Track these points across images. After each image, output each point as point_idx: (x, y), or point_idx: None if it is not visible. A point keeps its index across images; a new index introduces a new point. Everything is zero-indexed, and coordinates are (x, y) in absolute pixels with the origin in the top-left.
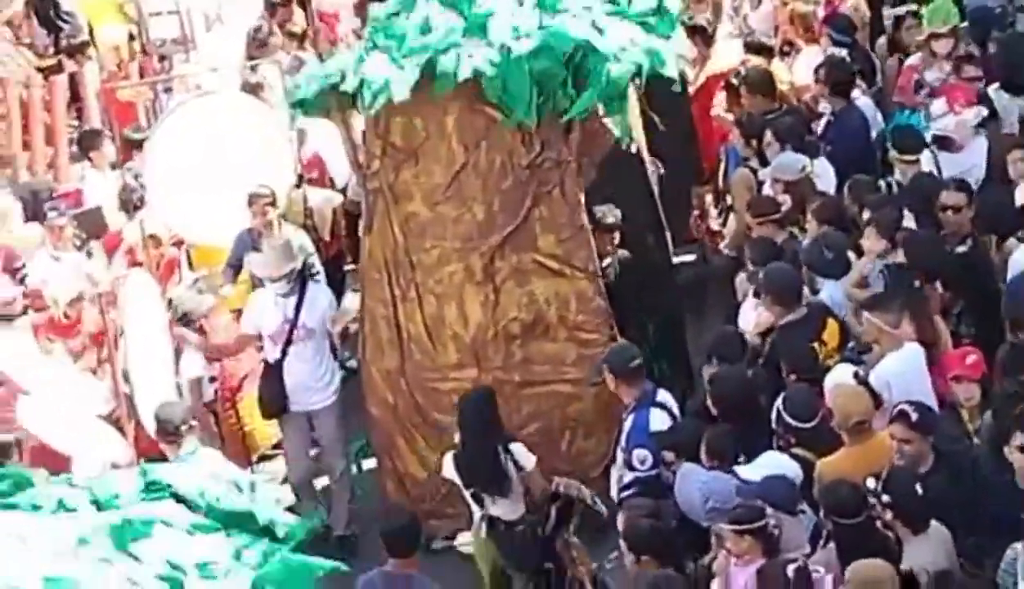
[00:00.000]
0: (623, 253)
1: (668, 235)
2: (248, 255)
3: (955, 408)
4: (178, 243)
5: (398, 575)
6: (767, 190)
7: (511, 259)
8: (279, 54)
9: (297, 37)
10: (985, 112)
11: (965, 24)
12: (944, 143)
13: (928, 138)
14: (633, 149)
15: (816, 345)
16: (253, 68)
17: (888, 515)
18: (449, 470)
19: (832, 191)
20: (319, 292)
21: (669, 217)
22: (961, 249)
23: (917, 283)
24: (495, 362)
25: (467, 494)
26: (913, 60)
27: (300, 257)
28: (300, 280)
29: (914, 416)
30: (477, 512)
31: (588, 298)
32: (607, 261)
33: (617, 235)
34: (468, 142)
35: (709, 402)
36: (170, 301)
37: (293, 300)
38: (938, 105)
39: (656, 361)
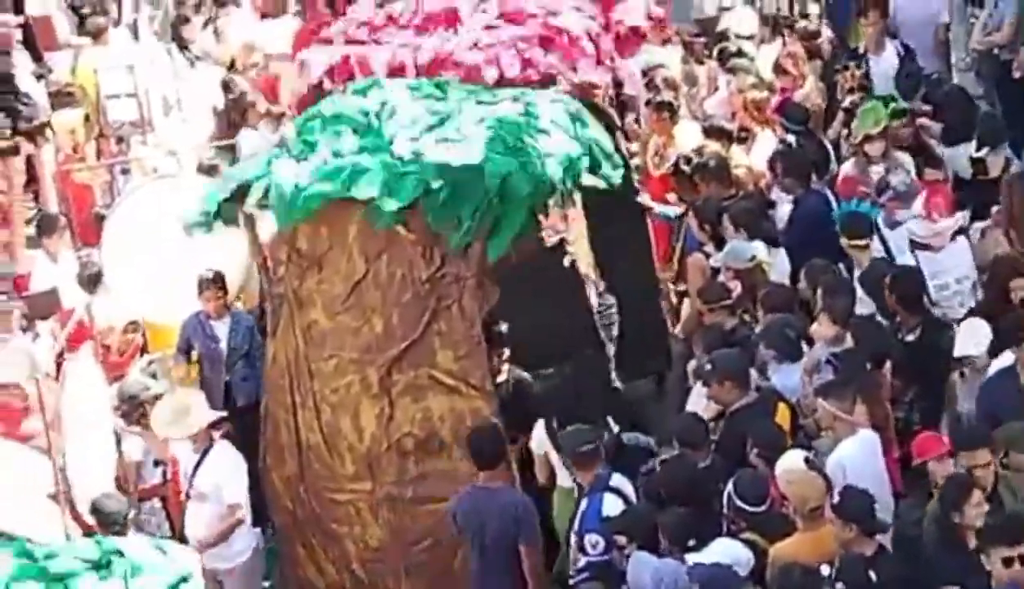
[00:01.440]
0: (517, 372)
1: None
2: (156, 409)
3: (918, 493)
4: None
5: (487, 487)
6: (721, 276)
7: (408, 373)
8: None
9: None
10: (964, 220)
11: (896, 122)
12: (921, 246)
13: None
14: (567, 262)
15: None
16: (225, 147)
17: None
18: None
19: (786, 280)
20: (223, 457)
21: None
22: (911, 337)
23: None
24: (389, 476)
25: None
26: (848, 169)
27: (200, 421)
28: (208, 441)
29: (835, 499)
30: None
31: (483, 416)
32: (500, 377)
33: (507, 351)
34: (369, 253)
35: (660, 488)
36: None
37: (196, 458)
38: (916, 207)
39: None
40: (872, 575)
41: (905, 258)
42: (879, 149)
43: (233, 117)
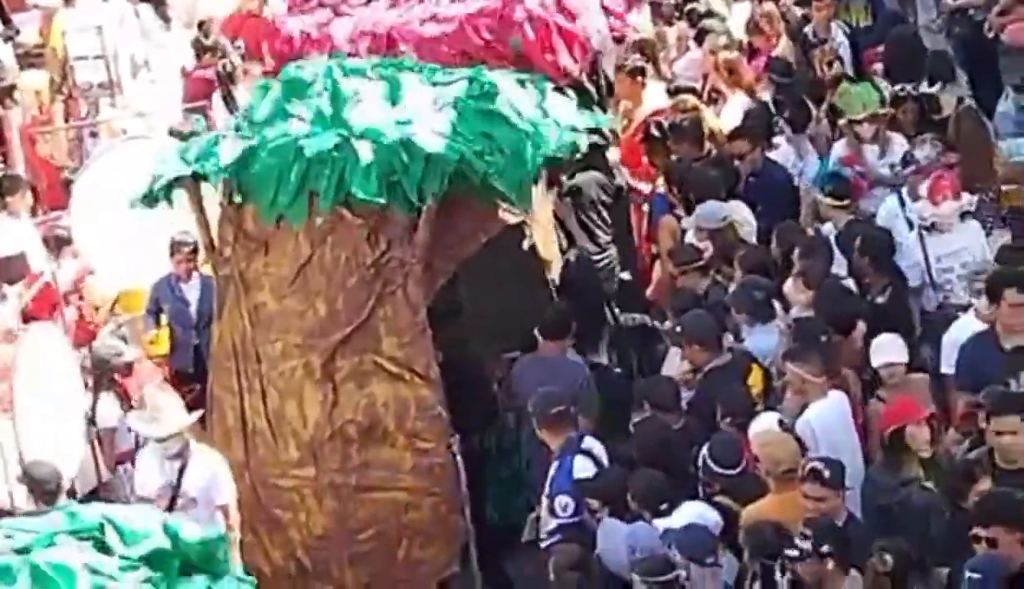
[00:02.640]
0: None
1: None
2: (135, 416)
3: (890, 458)
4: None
5: (546, 357)
6: (690, 238)
7: (352, 359)
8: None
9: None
10: (971, 204)
11: (885, 110)
12: (927, 228)
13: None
14: (526, 245)
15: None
16: (196, 110)
17: (830, 565)
18: None
19: (752, 237)
20: (206, 460)
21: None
22: (880, 299)
23: (828, 335)
24: (332, 463)
25: None
26: (841, 149)
27: (172, 425)
28: (186, 443)
29: (826, 473)
30: None
31: (427, 405)
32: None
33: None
34: (315, 237)
35: (633, 450)
36: (89, 348)
37: (178, 464)
38: (922, 189)
39: (505, 459)
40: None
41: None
42: (870, 131)
43: (223, 89)
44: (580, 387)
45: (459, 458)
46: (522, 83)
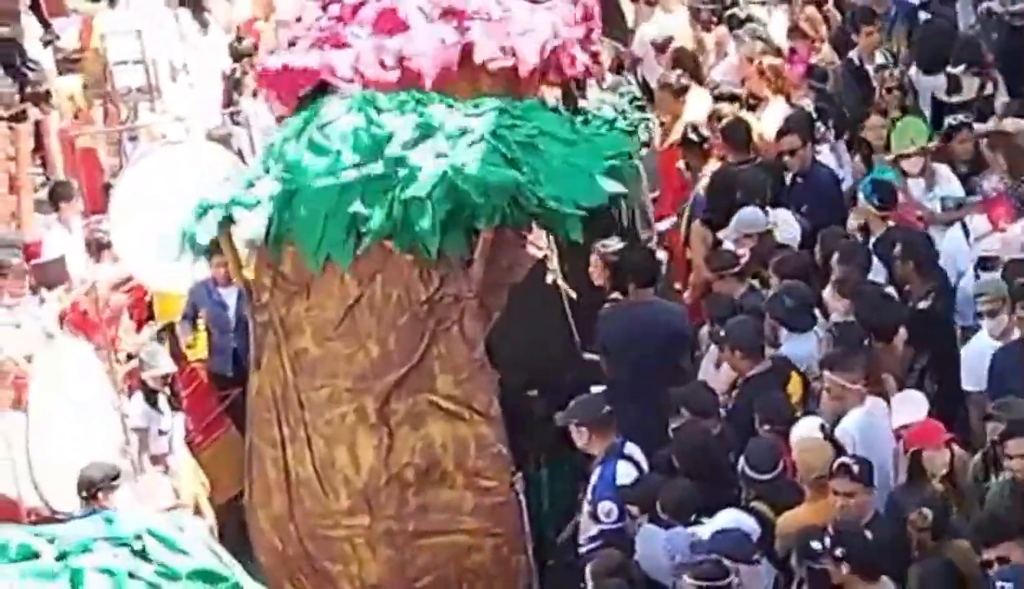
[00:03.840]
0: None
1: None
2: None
3: (910, 481)
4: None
5: (639, 303)
6: (728, 244)
7: (407, 401)
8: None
9: None
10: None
11: (934, 143)
12: (987, 264)
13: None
14: (548, 279)
15: None
16: (232, 114)
17: (844, 569)
18: None
19: (795, 243)
20: None
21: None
22: (923, 304)
23: (869, 340)
24: (388, 510)
25: None
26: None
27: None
28: None
29: (855, 468)
30: None
31: (488, 443)
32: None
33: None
34: (363, 275)
35: (673, 456)
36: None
37: None
38: (979, 223)
39: (569, 499)
40: (868, 535)
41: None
42: (917, 165)
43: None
44: (676, 331)
45: (522, 497)
46: (552, 109)
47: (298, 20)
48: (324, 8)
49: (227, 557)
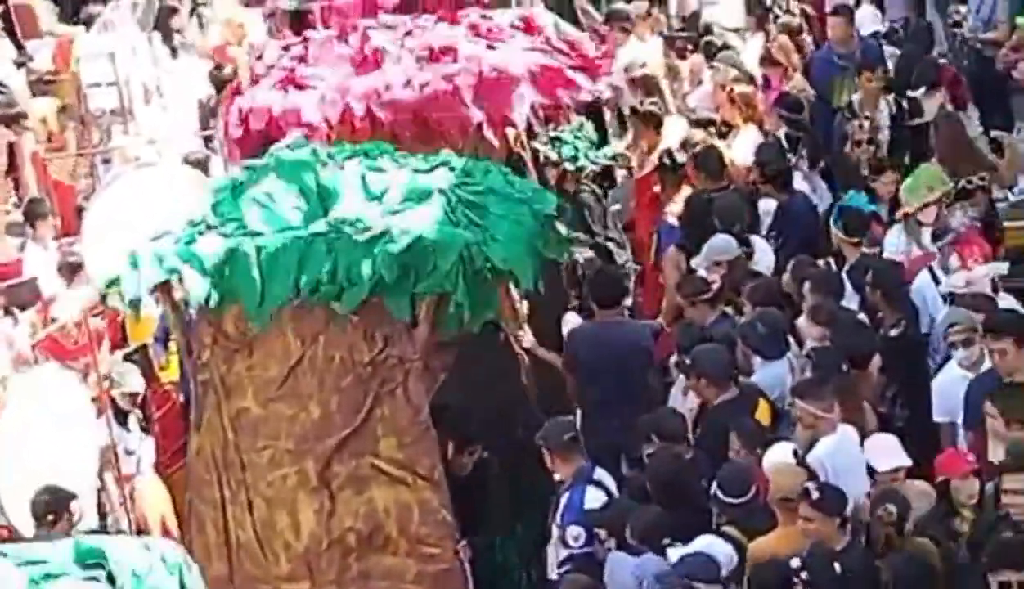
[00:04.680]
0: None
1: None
2: None
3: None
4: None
5: (607, 322)
6: (701, 271)
7: (349, 464)
8: None
9: None
10: (1002, 269)
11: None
12: (955, 300)
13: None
14: (501, 337)
15: None
16: (207, 139)
17: None
18: None
19: (770, 271)
20: None
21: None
22: (894, 332)
23: (845, 367)
24: (329, 575)
25: None
26: (900, 244)
27: None
28: None
29: (815, 494)
30: None
31: (432, 509)
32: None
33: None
34: (305, 335)
35: (646, 482)
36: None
37: None
38: (953, 260)
39: (524, 567)
40: (837, 567)
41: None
42: (931, 215)
43: None
44: (641, 349)
45: (467, 565)
46: (496, 172)
47: (259, 58)
48: (286, 48)
49: (198, 579)
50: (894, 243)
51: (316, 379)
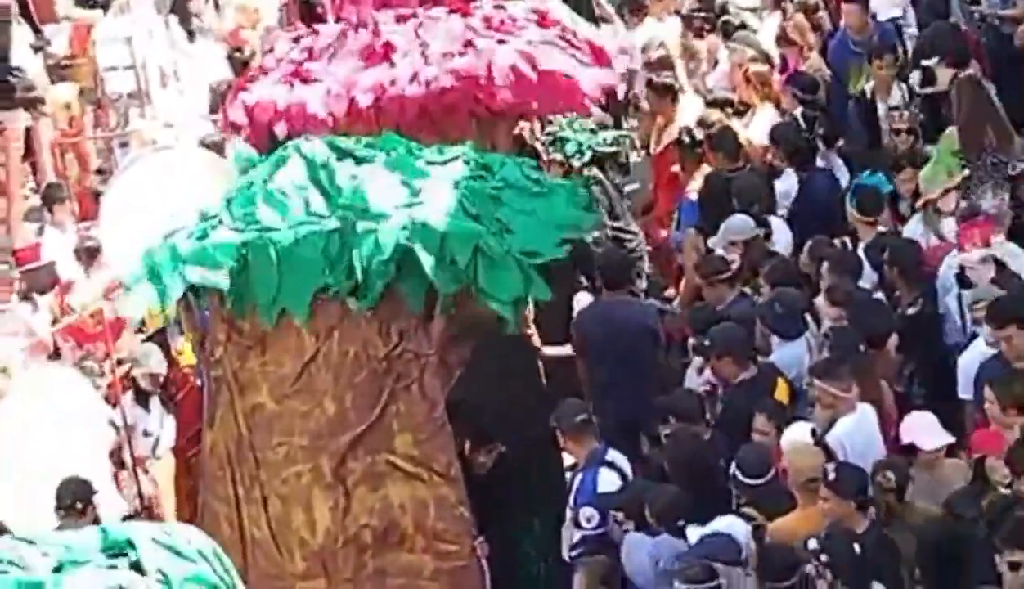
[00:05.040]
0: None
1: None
2: None
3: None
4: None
5: (613, 302)
6: (719, 250)
7: (364, 460)
8: None
9: None
10: (996, 254)
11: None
12: (965, 280)
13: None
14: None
15: None
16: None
17: (828, 576)
18: None
19: (788, 251)
20: None
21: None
22: (912, 310)
23: (863, 346)
24: (345, 572)
25: None
26: (918, 231)
27: None
28: None
29: (831, 475)
30: None
31: (449, 505)
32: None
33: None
34: (319, 331)
35: (665, 462)
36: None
37: None
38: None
39: (541, 560)
40: (856, 548)
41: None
42: (952, 202)
43: None
44: (648, 328)
45: (484, 561)
46: (513, 164)
47: (269, 51)
48: (296, 41)
49: (228, 566)
50: (912, 232)
51: (331, 375)
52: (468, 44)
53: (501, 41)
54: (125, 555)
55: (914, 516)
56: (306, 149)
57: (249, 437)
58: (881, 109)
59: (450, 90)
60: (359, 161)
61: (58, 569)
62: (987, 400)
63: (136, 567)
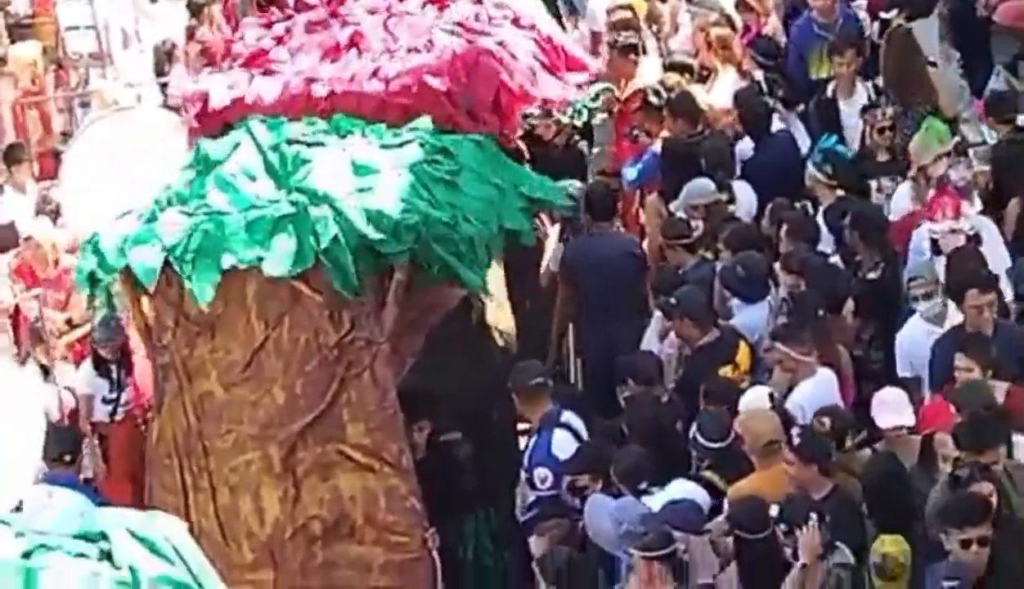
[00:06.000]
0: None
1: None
2: None
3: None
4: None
5: (599, 234)
6: (679, 214)
7: (314, 450)
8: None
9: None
10: (966, 227)
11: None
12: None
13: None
14: (474, 318)
15: (729, 368)
16: (163, 85)
17: (789, 542)
18: None
19: (751, 215)
20: None
21: None
22: (872, 275)
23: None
24: (293, 564)
25: None
26: (906, 201)
27: None
28: None
29: (796, 440)
30: None
31: (399, 496)
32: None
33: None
34: (269, 317)
35: (624, 424)
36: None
37: None
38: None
39: (499, 552)
40: (815, 517)
41: None
42: (940, 169)
43: (196, 63)
44: (636, 256)
45: (435, 553)
46: (475, 145)
47: (241, 38)
48: (268, 26)
49: (204, 563)
50: (901, 204)
51: (281, 362)
52: (431, 42)
53: (469, 41)
54: (98, 544)
55: (856, 464)
56: (258, 133)
57: (198, 425)
58: (844, 108)
59: (408, 89)
60: (311, 145)
61: (27, 555)
62: (964, 368)
63: (108, 556)
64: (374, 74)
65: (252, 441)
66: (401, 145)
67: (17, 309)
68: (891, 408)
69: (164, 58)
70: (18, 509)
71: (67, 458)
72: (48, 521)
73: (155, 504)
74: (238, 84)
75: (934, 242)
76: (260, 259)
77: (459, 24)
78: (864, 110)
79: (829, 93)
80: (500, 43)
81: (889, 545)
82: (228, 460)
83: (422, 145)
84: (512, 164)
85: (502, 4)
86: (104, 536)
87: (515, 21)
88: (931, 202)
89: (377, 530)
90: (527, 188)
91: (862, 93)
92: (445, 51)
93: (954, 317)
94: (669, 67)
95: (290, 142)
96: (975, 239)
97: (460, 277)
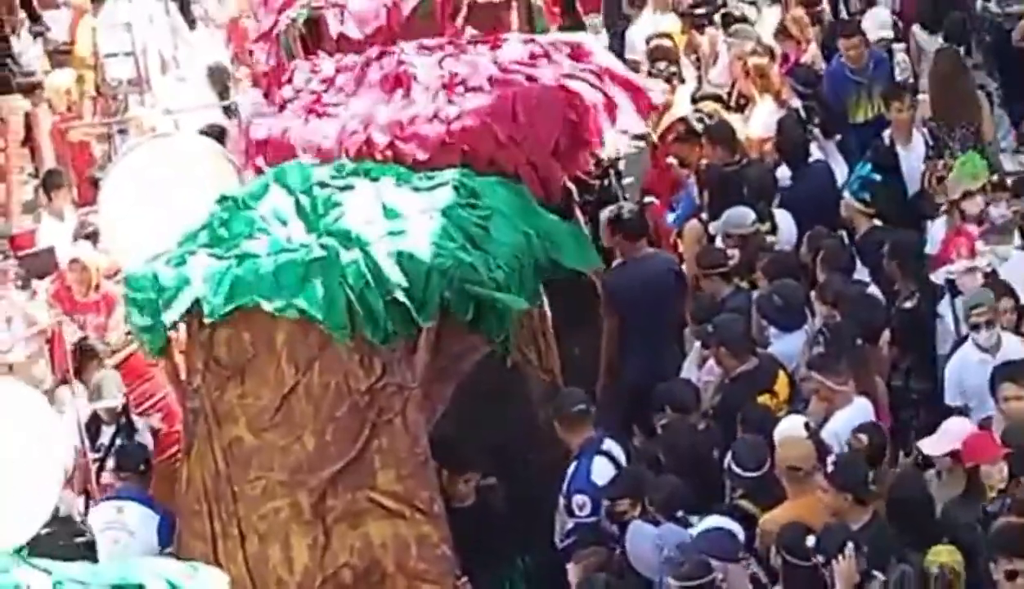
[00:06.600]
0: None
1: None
2: None
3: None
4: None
5: (637, 258)
6: (718, 243)
7: (344, 497)
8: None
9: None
10: (983, 264)
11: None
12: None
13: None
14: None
15: (767, 397)
16: (225, 109)
17: (827, 572)
18: None
19: (791, 244)
20: None
21: None
22: (908, 304)
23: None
24: None
25: None
26: (941, 232)
27: None
28: None
29: (830, 467)
30: None
31: (431, 544)
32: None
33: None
34: (299, 362)
35: (660, 453)
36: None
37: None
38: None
39: None
40: (851, 547)
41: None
42: (978, 205)
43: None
44: (678, 275)
45: None
46: (508, 189)
47: (288, 81)
48: (315, 70)
49: None
50: (937, 238)
51: (311, 407)
52: (492, 80)
53: (530, 78)
54: None
55: (890, 480)
56: (288, 176)
57: (227, 471)
58: (902, 152)
59: (470, 131)
60: (342, 189)
61: None
62: (1013, 397)
63: None
64: (434, 116)
65: (281, 488)
66: (433, 188)
67: (54, 334)
68: (942, 436)
69: (225, 79)
70: (35, 539)
71: (142, 468)
72: (88, 571)
73: (183, 552)
74: (293, 129)
75: (951, 283)
76: (290, 306)
77: (516, 62)
78: (925, 159)
79: (887, 139)
80: (563, 77)
81: (945, 555)
82: (257, 507)
83: (455, 188)
84: (545, 215)
85: (555, 41)
86: (141, 588)
87: (573, 55)
88: (946, 242)
89: (408, 578)
90: (552, 246)
91: (919, 138)
92: (505, 91)
93: (1008, 347)
94: (701, 98)
95: (321, 185)
96: (992, 275)
97: (483, 328)
